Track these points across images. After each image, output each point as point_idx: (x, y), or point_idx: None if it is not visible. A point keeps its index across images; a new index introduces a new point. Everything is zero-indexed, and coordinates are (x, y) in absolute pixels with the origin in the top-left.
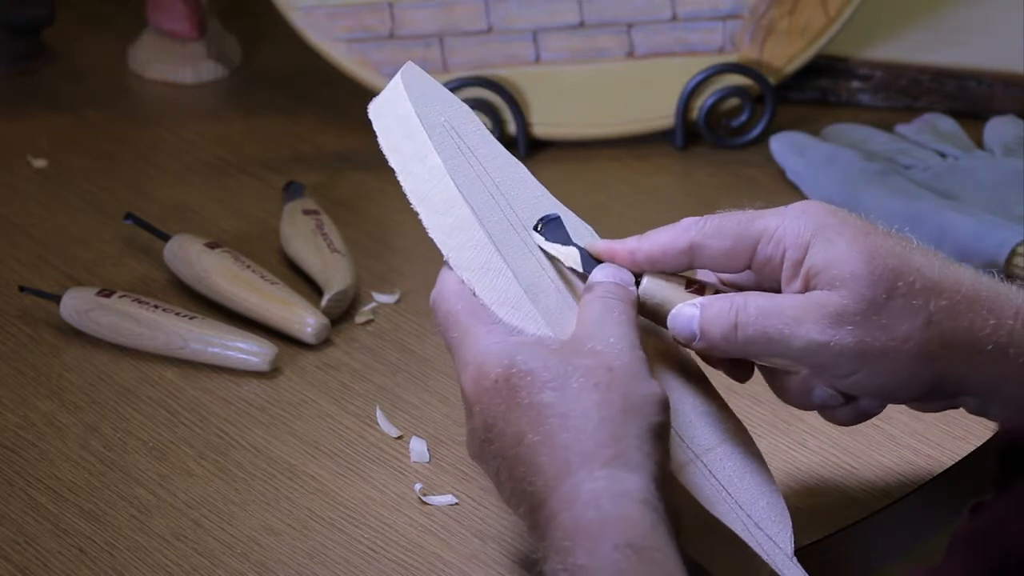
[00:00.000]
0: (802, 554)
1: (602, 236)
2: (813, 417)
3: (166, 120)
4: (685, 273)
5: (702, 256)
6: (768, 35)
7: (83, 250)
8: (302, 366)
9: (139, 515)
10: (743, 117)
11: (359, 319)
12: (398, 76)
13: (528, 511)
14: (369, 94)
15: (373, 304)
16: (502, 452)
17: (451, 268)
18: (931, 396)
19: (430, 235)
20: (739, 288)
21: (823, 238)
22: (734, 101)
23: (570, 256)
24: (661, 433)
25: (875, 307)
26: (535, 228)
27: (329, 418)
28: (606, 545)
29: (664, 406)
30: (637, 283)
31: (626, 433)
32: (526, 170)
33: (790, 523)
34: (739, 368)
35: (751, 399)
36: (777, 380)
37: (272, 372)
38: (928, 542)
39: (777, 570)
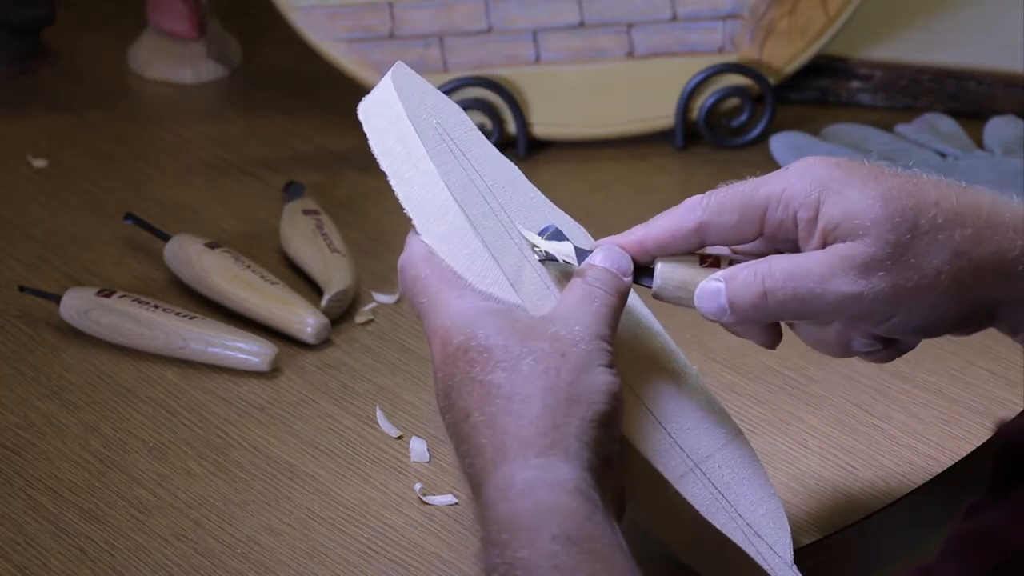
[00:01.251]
0: (802, 554)
1: (602, 236)
2: (813, 417)
3: (166, 120)
4: (696, 252)
5: (711, 234)
6: (768, 35)
7: (83, 250)
8: (302, 366)
9: (139, 515)
10: (743, 117)
11: (359, 319)
12: (388, 76)
13: (471, 490)
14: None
15: (373, 304)
16: (455, 425)
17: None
18: (968, 322)
19: (420, 238)
20: (754, 256)
21: (833, 191)
22: (734, 101)
23: (563, 251)
24: (605, 422)
25: (901, 248)
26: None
27: (329, 418)
28: (543, 536)
29: (613, 396)
30: (650, 271)
31: (567, 422)
32: (519, 171)
33: (788, 529)
34: (769, 333)
35: (751, 399)
36: (812, 334)
37: (272, 372)
38: (928, 542)
39: None
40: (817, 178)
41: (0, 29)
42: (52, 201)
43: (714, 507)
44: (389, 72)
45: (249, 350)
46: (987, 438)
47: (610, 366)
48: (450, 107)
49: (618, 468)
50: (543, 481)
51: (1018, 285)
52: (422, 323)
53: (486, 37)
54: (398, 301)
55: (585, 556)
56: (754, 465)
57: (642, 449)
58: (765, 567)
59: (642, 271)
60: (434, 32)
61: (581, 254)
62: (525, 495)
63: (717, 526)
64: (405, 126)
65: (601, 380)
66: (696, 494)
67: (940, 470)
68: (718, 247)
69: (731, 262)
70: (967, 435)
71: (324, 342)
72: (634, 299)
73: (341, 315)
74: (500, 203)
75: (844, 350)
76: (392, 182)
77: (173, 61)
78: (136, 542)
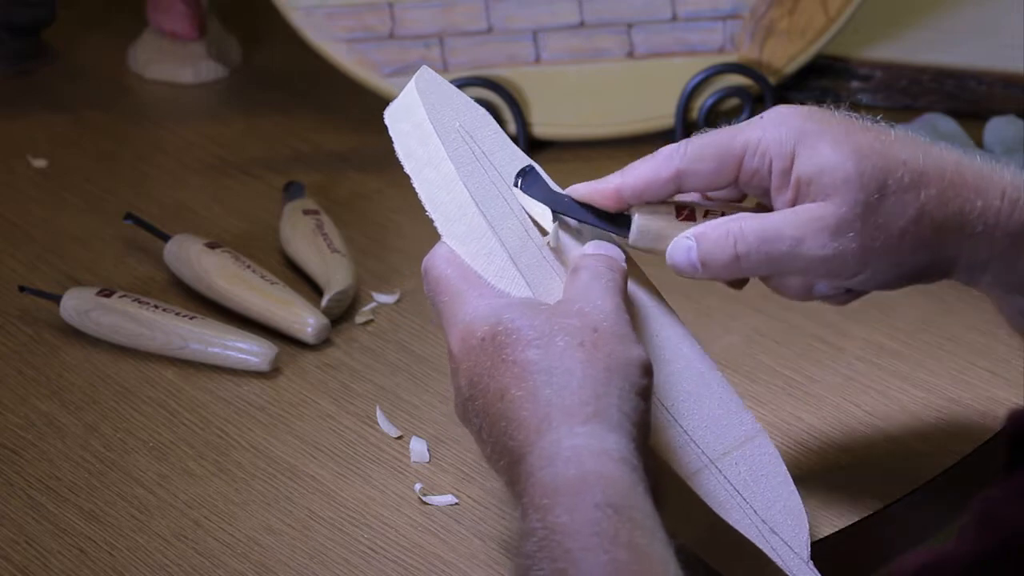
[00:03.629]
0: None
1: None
2: (813, 417)
3: (166, 120)
4: (671, 200)
5: (688, 182)
6: (768, 35)
7: (83, 250)
8: (302, 366)
9: (139, 515)
10: (743, 117)
11: (359, 319)
12: (412, 81)
13: (508, 466)
14: (369, 94)
15: (373, 304)
16: (485, 408)
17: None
18: (925, 276)
19: (444, 241)
20: (726, 203)
21: (807, 145)
22: (734, 101)
23: (545, 217)
24: (643, 394)
25: (870, 209)
26: (515, 184)
27: (329, 418)
28: (586, 503)
29: (647, 370)
30: (626, 220)
31: (608, 392)
32: (542, 171)
33: (807, 525)
34: (738, 280)
35: (752, 399)
36: (776, 281)
37: (272, 372)
38: (929, 542)
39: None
40: (792, 129)
41: (0, 29)
42: (52, 201)
43: (728, 504)
44: (414, 77)
45: (249, 350)
46: (988, 437)
47: (638, 340)
48: (474, 110)
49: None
50: (589, 449)
51: (976, 244)
52: (441, 322)
53: (486, 37)
54: (398, 301)
55: (625, 524)
56: (774, 462)
57: (655, 444)
58: (779, 563)
59: (618, 220)
60: (434, 32)
61: (571, 207)
62: (571, 461)
63: (731, 523)
64: (427, 129)
65: (635, 353)
66: (710, 490)
67: (940, 470)
68: (693, 194)
69: (707, 213)
70: (967, 435)
71: (324, 342)
72: (649, 294)
73: (341, 315)
74: (521, 204)
75: (806, 295)
76: (415, 184)
77: (173, 61)
78: (136, 542)
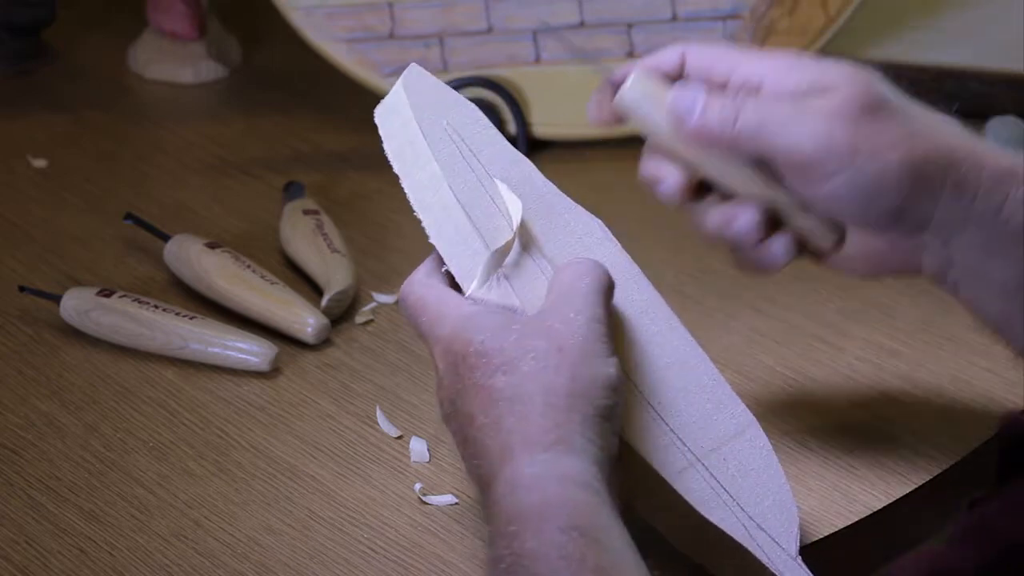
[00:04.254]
0: (802, 554)
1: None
2: (813, 417)
3: (166, 120)
4: None
5: (692, 61)
6: (768, 35)
7: (83, 250)
8: (302, 366)
9: (139, 515)
10: None
11: (359, 319)
12: (400, 80)
13: (479, 490)
14: (369, 94)
15: (373, 304)
16: (460, 429)
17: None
18: (900, 219)
19: (431, 241)
20: None
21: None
22: None
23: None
24: (607, 415)
25: (867, 111)
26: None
27: (329, 418)
28: (551, 527)
29: (614, 388)
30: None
31: (570, 418)
32: (532, 167)
33: (796, 520)
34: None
35: (752, 399)
36: (700, 213)
37: (272, 372)
38: (928, 542)
39: (778, 573)
40: (804, 79)
41: (0, 29)
42: (52, 201)
43: (713, 501)
44: (402, 76)
45: (249, 350)
46: (988, 437)
47: (609, 354)
48: (464, 107)
49: (621, 462)
50: (550, 475)
51: (954, 202)
52: (426, 344)
53: (486, 37)
54: (398, 301)
55: (592, 547)
56: (765, 456)
57: (638, 447)
58: (764, 560)
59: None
60: (434, 32)
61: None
62: (533, 488)
63: (714, 521)
64: (413, 129)
65: (600, 373)
66: (694, 489)
67: (940, 470)
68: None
69: None
70: (967, 435)
71: (324, 342)
72: (644, 287)
73: (341, 315)
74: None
75: (726, 225)
76: (403, 184)
77: (173, 61)
78: (136, 542)
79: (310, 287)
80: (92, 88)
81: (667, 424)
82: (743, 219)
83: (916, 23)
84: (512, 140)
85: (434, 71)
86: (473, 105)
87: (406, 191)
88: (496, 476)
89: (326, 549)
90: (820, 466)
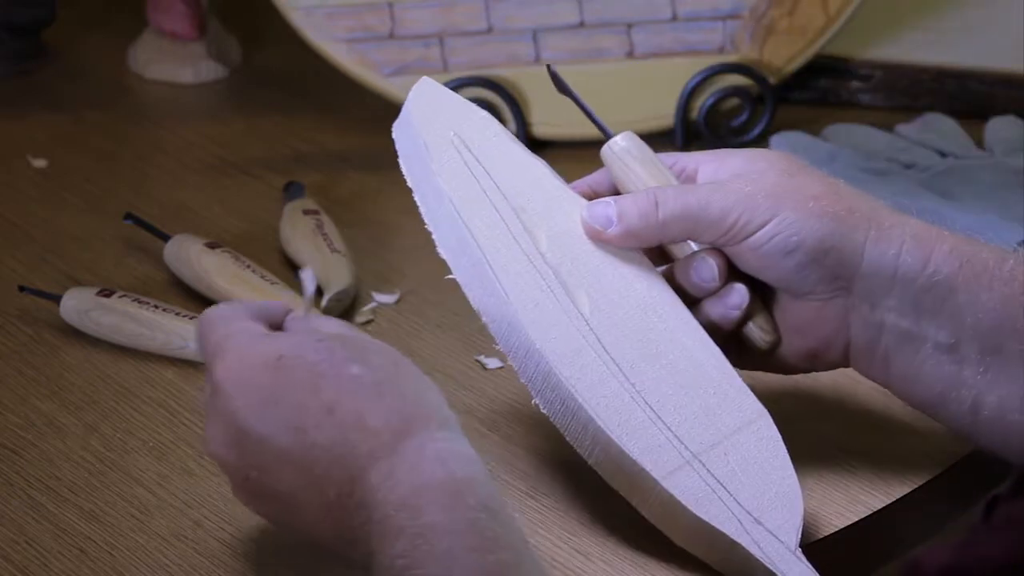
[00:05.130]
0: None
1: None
2: (813, 416)
3: (166, 120)
4: None
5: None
6: (768, 35)
7: (83, 250)
8: None
9: (139, 515)
10: (743, 117)
11: (359, 319)
12: (410, 94)
13: (343, 482)
14: (369, 94)
15: (373, 304)
16: (301, 427)
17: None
18: (824, 268)
19: (439, 253)
20: None
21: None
22: (734, 101)
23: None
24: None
25: (788, 173)
26: None
27: None
28: (463, 503)
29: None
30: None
31: (441, 402)
32: (545, 170)
33: (800, 512)
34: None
35: None
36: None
37: None
38: (928, 542)
39: (774, 568)
40: (734, 166)
41: (0, 29)
42: (52, 201)
43: (707, 499)
44: (412, 90)
45: None
46: None
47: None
48: (473, 116)
49: None
50: (453, 453)
51: (878, 260)
52: (210, 362)
53: (486, 37)
54: (398, 301)
55: (501, 527)
56: (771, 448)
57: (628, 448)
58: (758, 555)
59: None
60: (434, 32)
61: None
62: (438, 463)
63: (705, 518)
64: (420, 143)
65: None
66: (687, 487)
67: (940, 470)
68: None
69: None
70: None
71: None
72: (654, 284)
73: (341, 315)
74: (514, 210)
75: (686, 277)
76: (416, 199)
77: (173, 61)
78: (136, 542)
79: None
80: (92, 88)
81: (664, 422)
82: (704, 268)
83: (916, 23)
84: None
85: (434, 71)
86: (485, 114)
87: (418, 205)
88: (390, 454)
89: None
90: (820, 466)
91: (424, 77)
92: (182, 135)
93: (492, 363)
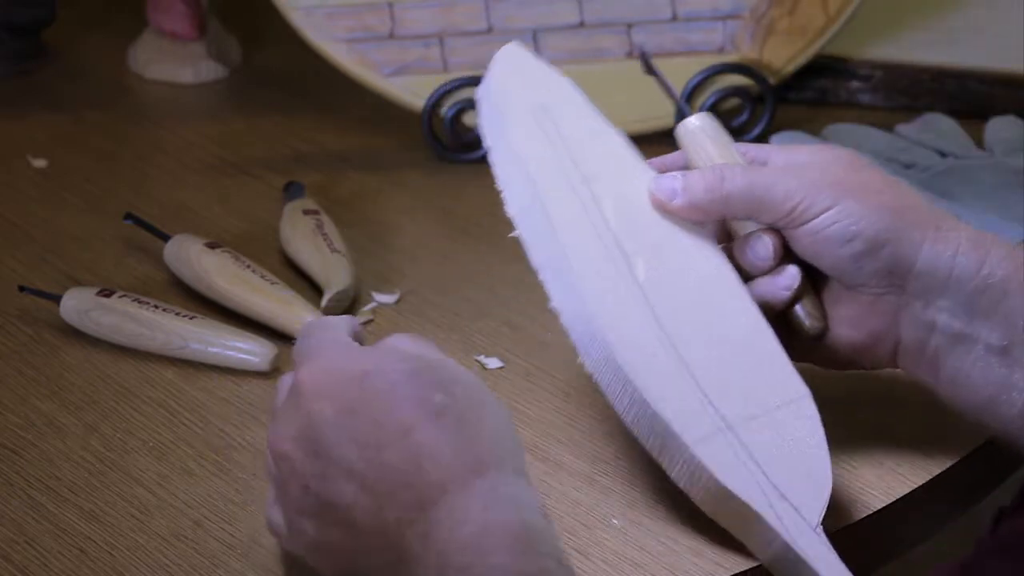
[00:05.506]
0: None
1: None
2: None
3: (166, 120)
4: None
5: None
6: (768, 35)
7: (83, 250)
8: None
9: (139, 515)
10: (743, 117)
11: (359, 319)
12: (494, 59)
13: (407, 507)
14: (369, 94)
15: (373, 304)
16: (369, 441)
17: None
18: (880, 261)
19: (508, 213)
20: None
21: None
22: (734, 101)
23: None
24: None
25: (854, 167)
26: None
27: None
28: (534, 550)
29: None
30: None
31: (520, 449)
32: (620, 140)
33: (827, 493)
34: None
35: None
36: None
37: (272, 372)
38: (928, 542)
39: (793, 543)
40: (802, 155)
41: (0, 29)
42: (52, 201)
43: (735, 468)
44: (497, 54)
45: (249, 350)
46: (988, 438)
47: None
48: (558, 85)
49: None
50: (526, 499)
51: (935, 256)
52: (298, 362)
53: (486, 37)
54: (398, 301)
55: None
56: (809, 427)
57: (663, 411)
58: (778, 527)
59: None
60: (434, 32)
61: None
62: (512, 508)
63: (729, 487)
64: (500, 106)
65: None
66: (716, 455)
67: (940, 470)
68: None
69: None
70: (967, 435)
71: None
72: (712, 257)
73: (341, 315)
74: (584, 175)
75: (742, 251)
76: (491, 160)
77: (173, 61)
78: (136, 542)
79: (310, 287)
80: (92, 88)
81: (702, 390)
82: (760, 245)
83: (916, 23)
84: None
85: (434, 71)
86: (567, 81)
87: (492, 167)
88: (460, 488)
89: None
90: None
91: (512, 42)
92: (182, 135)
93: (492, 363)
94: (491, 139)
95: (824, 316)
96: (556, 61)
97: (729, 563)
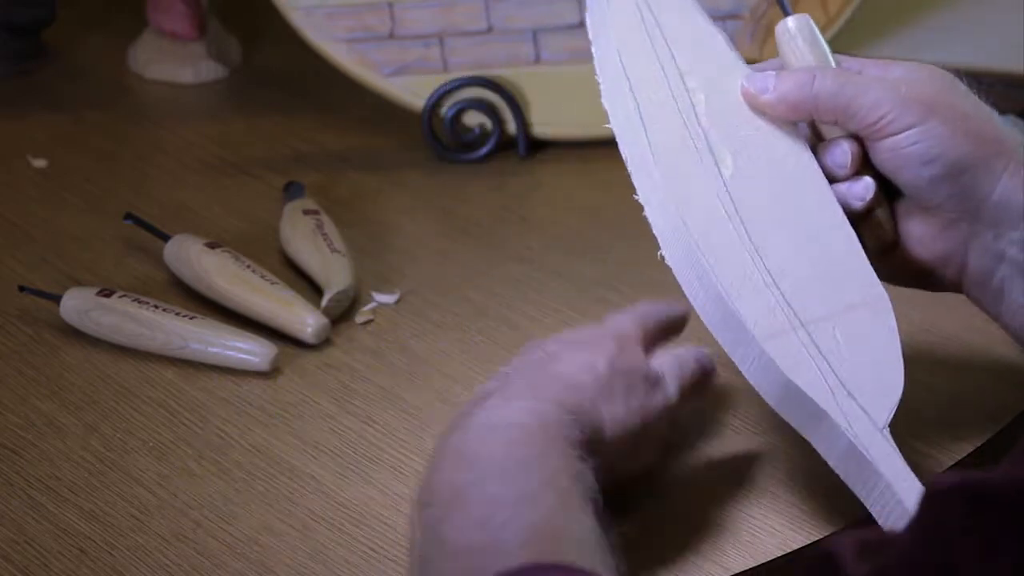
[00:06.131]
0: (808, 548)
1: (600, 243)
2: None
3: (166, 120)
4: None
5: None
6: (768, 35)
7: (83, 250)
8: (302, 366)
9: (139, 515)
10: None
11: (359, 319)
12: None
13: (632, 391)
14: (369, 94)
15: (373, 304)
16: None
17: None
18: (958, 185)
19: (609, 126)
20: None
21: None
22: None
23: None
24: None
25: (945, 90)
26: None
27: (329, 418)
28: None
29: None
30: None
31: None
32: (720, 39)
33: (897, 396)
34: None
35: (752, 398)
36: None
37: (272, 372)
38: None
39: (856, 442)
40: (898, 70)
41: (0, 29)
42: (52, 201)
43: (804, 365)
44: None
45: (249, 350)
46: (988, 438)
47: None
48: None
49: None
50: None
51: (1009, 191)
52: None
53: (486, 37)
54: (398, 301)
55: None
56: (884, 332)
57: (737, 306)
58: (843, 425)
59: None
60: (434, 32)
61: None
62: None
63: (798, 383)
64: (604, 8)
65: None
66: (786, 351)
67: (940, 470)
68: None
69: None
70: (967, 435)
71: (324, 342)
72: (803, 161)
73: (341, 315)
74: (679, 69)
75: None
76: (592, 50)
77: (173, 61)
78: (136, 542)
79: (310, 287)
80: (92, 88)
81: (778, 287)
82: (839, 152)
83: (916, 23)
84: (512, 140)
85: (434, 71)
86: None
87: (596, 69)
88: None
89: (326, 549)
90: (820, 466)
91: None
92: (182, 135)
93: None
94: (593, 30)
95: (894, 229)
96: (556, 61)
97: (729, 563)
